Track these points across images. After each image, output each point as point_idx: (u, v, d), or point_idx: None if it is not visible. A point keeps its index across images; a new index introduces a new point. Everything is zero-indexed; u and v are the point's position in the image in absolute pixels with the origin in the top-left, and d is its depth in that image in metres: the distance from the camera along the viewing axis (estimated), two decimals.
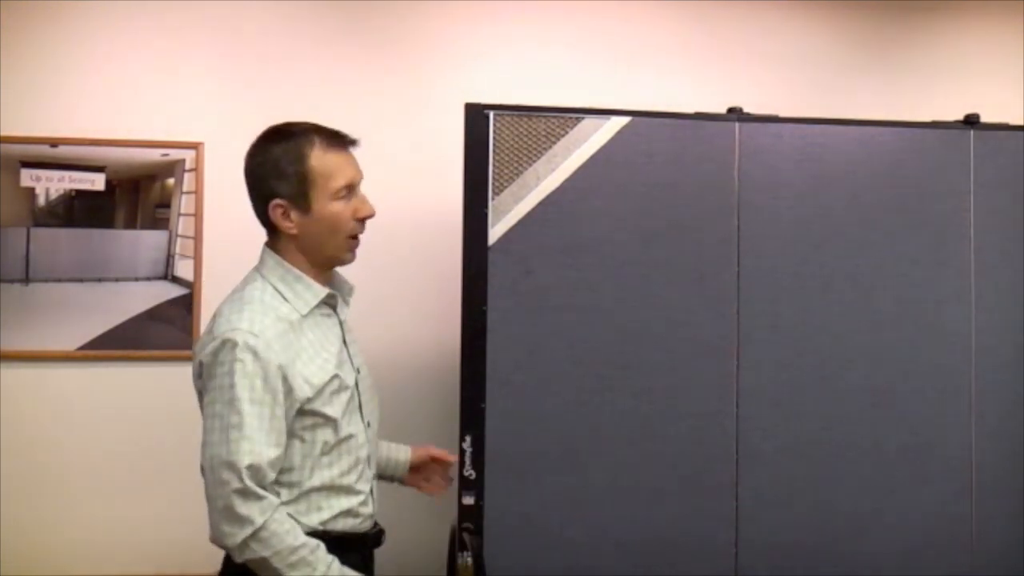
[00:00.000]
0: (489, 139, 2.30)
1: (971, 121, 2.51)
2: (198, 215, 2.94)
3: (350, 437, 1.84)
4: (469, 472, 2.26)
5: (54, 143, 2.88)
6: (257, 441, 1.68)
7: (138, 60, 2.94)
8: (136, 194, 2.92)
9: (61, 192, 2.89)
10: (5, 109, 2.86)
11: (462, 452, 2.26)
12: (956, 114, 2.55)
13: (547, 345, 2.31)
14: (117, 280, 2.91)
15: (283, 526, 1.71)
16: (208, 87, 2.97)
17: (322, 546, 1.75)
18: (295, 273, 1.84)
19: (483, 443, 2.27)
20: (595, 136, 2.33)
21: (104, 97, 2.92)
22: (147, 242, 2.93)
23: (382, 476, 2.12)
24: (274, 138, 1.87)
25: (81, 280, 2.89)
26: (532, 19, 3.10)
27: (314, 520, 1.79)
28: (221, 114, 2.95)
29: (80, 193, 2.90)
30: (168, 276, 2.93)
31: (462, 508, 2.26)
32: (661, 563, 2.34)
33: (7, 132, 2.86)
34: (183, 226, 2.94)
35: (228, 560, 1.80)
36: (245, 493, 1.67)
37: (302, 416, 1.77)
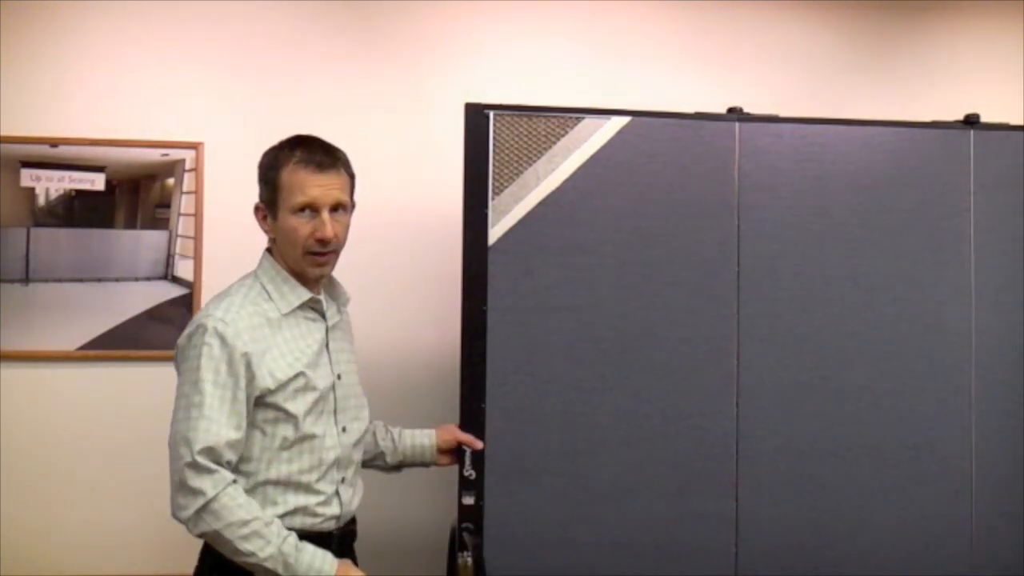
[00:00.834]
0: (489, 139, 2.25)
1: (971, 121, 2.47)
2: (198, 215, 2.89)
3: (313, 437, 1.88)
4: (469, 472, 2.21)
5: (54, 143, 2.84)
6: (215, 421, 1.76)
7: (138, 60, 2.89)
8: (136, 194, 2.88)
9: (61, 192, 2.85)
10: (5, 109, 2.82)
11: (462, 452, 2.21)
12: (956, 114, 2.51)
13: (547, 345, 2.27)
14: (117, 280, 2.87)
15: (235, 500, 1.76)
16: (208, 87, 2.92)
17: (277, 522, 1.81)
18: (284, 276, 1.94)
19: (483, 444, 2.22)
20: (595, 136, 2.29)
21: (104, 97, 2.88)
22: (147, 242, 2.88)
23: (412, 464, 2.21)
24: (274, 145, 1.96)
25: (81, 280, 2.85)
26: (532, 18, 3.06)
27: (268, 513, 1.83)
28: (221, 114, 2.92)
29: (80, 193, 2.85)
30: (168, 276, 2.89)
31: (462, 508, 2.22)
32: (661, 563, 2.29)
33: (7, 132, 2.82)
34: (183, 226, 2.90)
35: (203, 554, 1.89)
36: (197, 467, 1.73)
37: (264, 408, 1.84)
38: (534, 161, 2.26)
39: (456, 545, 2.19)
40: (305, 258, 1.92)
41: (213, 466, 1.75)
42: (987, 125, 2.46)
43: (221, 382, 1.78)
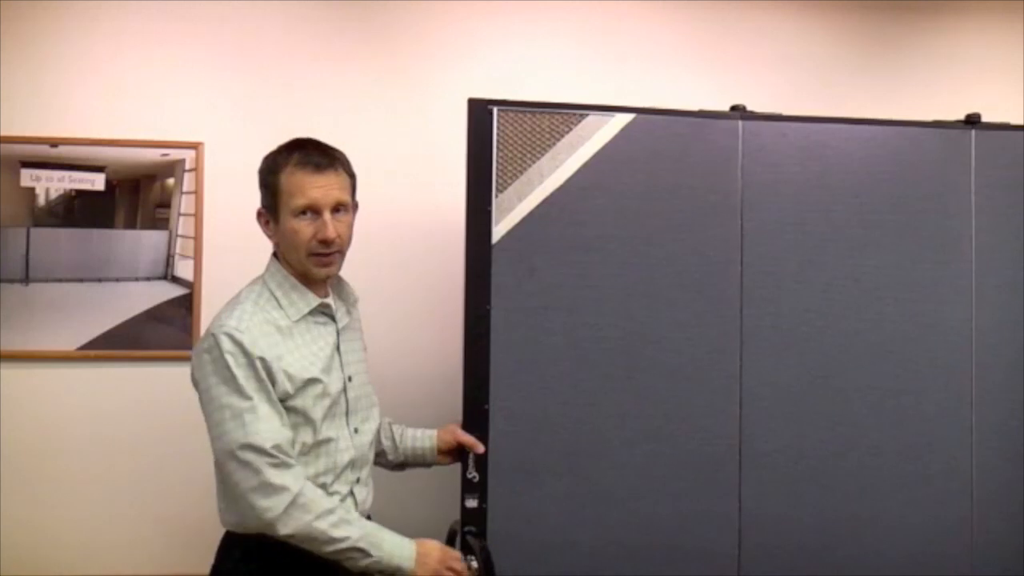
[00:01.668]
0: (493, 135, 2.19)
1: (972, 121, 2.42)
2: (198, 215, 2.82)
3: (328, 441, 1.86)
4: (472, 474, 2.15)
5: (54, 143, 2.77)
6: (271, 421, 1.75)
7: (138, 60, 2.82)
8: (136, 194, 2.81)
9: (61, 192, 2.78)
10: (5, 109, 2.75)
11: (464, 454, 2.15)
12: (957, 114, 2.46)
13: (551, 345, 2.20)
14: (117, 280, 2.80)
15: (316, 491, 1.78)
16: (208, 87, 2.86)
17: (349, 506, 1.85)
18: (292, 281, 1.90)
19: (486, 445, 2.16)
20: (599, 133, 2.23)
21: (104, 97, 2.81)
22: (147, 242, 2.82)
23: (414, 464, 2.18)
24: (272, 151, 1.93)
25: (81, 280, 2.78)
26: (535, 15, 3.00)
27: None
28: (221, 114, 2.85)
29: (80, 193, 2.78)
30: (168, 276, 2.82)
31: (465, 511, 2.15)
32: (665, 565, 2.23)
33: (7, 132, 2.75)
34: (183, 226, 2.83)
35: (220, 553, 1.87)
36: (276, 464, 1.73)
37: (288, 412, 1.81)
38: (538, 158, 2.20)
39: (457, 547, 2.12)
40: (309, 259, 1.87)
41: (287, 459, 1.75)
42: (988, 125, 2.42)
43: (257, 386, 1.76)
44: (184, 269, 2.82)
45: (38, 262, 2.76)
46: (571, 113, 2.22)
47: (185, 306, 2.81)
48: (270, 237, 1.93)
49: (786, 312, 2.30)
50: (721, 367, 2.27)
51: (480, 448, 2.13)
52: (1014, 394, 2.38)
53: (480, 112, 2.19)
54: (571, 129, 2.21)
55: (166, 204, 2.82)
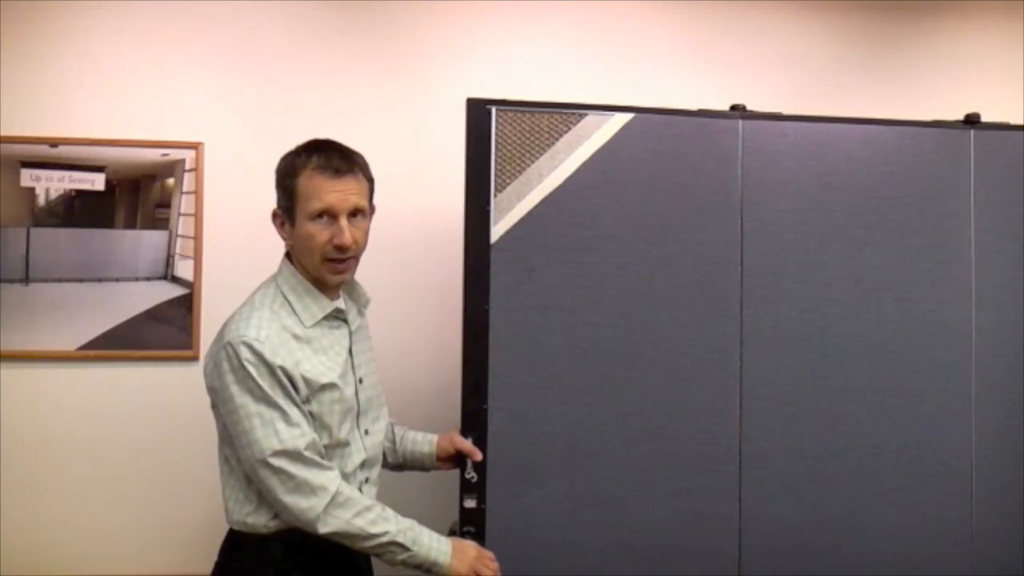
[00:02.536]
0: (491, 135, 2.15)
1: (971, 120, 2.38)
2: (198, 215, 2.78)
3: (341, 444, 1.84)
4: (471, 475, 2.11)
5: (54, 143, 2.72)
6: (300, 425, 1.74)
7: (138, 60, 2.78)
8: (136, 194, 2.77)
9: (61, 192, 2.73)
10: (5, 109, 2.71)
11: (463, 460, 2.11)
12: (957, 113, 2.42)
13: (550, 345, 2.16)
14: (117, 280, 2.75)
15: (352, 489, 1.77)
16: (208, 87, 2.82)
17: (384, 504, 1.82)
18: (306, 285, 1.86)
19: (485, 445, 2.12)
20: (598, 133, 2.18)
21: (104, 97, 2.77)
22: (147, 242, 2.77)
23: (412, 468, 2.15)
24: (290, 151, 1.87)
25: (81, 280, 2.74)
26: (535, 15, 2.96)
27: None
28: (221, 114, 2.81)
29: (80, 193, 2.74)
30: (168, 276, 2.78)
31: (464, 511, 2.11)
32: (665, 566, 2.19)
33: (7, 132, 2.71)
34: (183, 226, 2.78)
35: (224, 551, 1.85)
36: (312, 465, 1.72)
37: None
38: (537, 158, 2.16)
39: None
40: (324, 265, 1.83)
41: (322, 460, 1.75)
42: (987, 125, 2.37)
43: (283, 392, 1.73)
44: (184, 269, 2.78)
45: (38, 262, 2.71)
46: (570, 113, 2.18)
47: (185, 306, 2.77)
48: (285, 239, 1.88)
49: (786, 312, 2.25)
50: (721, 367, 2.22)
51: (478, 456, 2.09)
52: (1014, 394, 2.34)
53: (479, 112, 2.14)
54: (570, 129, 2.17)
55: (166, 204, 2.78)
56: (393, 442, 2.12)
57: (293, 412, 1.73)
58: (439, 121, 2.81)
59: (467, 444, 2.09)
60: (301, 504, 1.71)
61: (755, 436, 2.23)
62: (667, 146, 2.21)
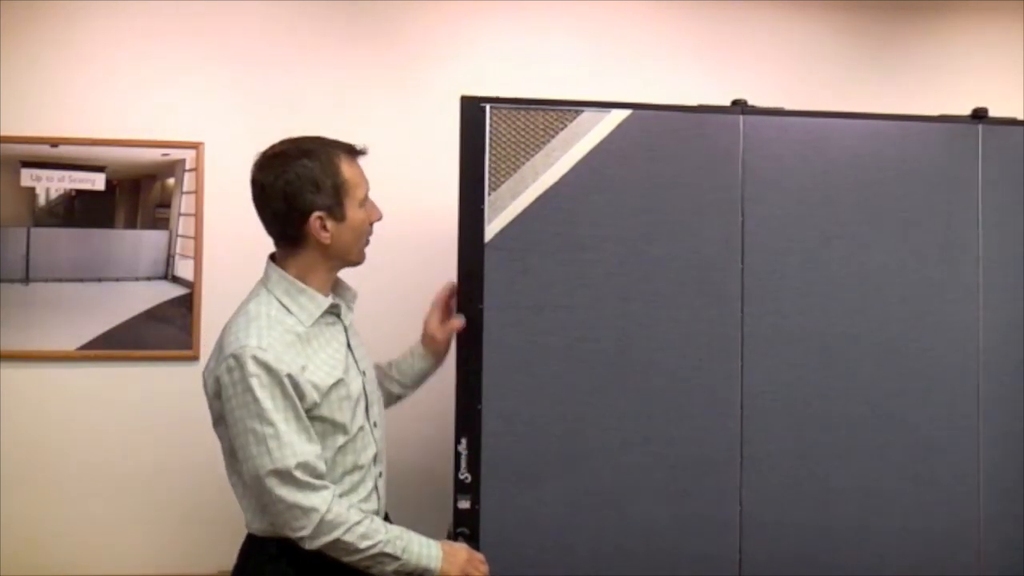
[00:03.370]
0: (485, 133, 2.11)
1: (979, 115, 2.32)
2: (198, 215, 2.77)
3: (355, 439, 1.83)
4: (465, 475, 2.08)
5: (54, 143, 2.71)
6: (294, 444, 1.70)
7: (138, 60, 2.77)
8: (136, 194, 2.75)
9: (61, 192, 2.72)
10: (5, 109, 2.71)
11: (457, 455, 2.08)
12: (964, 108, 2.36)
13: (545, 345, 2.12)
14: (117, 280, 2.74)
15: (343, 506, 1.74)
16: (208, 87, 2.80)
17: (374, 516, 1.81)
18: (299, 286, 1.82)
19: (479, 446, 2.09)
20: (595, 130, 2.14)
21: (104, 97, 2.76)
22: (147, 242, 2.76)
23: (413, 381, 2.17)
24: (299, 155, 1.79)
25: (81, 280, 2.73)
26: (531, 11, 2.93)
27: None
28: (221, 114, 2.80)
29: (80, 193, 2.73)
30: (168, 276, 2.76)
31: (458, 512, 2.08)
32: (663, 569, 2.15)
33: (7, 132, 2.70)
34: (183, 226, 2.77)
35: (243, 554, 1.84)
36: (302, 487, 1.70)
37: (314, 421, 1.76)
38: (532, 155, 2.12)
39: None
40: (364, 246, 1.91)
41: (315, 481, 1.72)
42: (995, 119, 2.31)
43: (282, 406, 1.69)
44: (184, 269, 2.76)
45: (38, 262, 2.70)
46: (566, 110, 2.14)
47: (185, 306, 2.75)
48: (326, 240, 1.80)
49: (788, 311, 2.20)
50: (721, 367, 2.18)
51: (460, 322, 2.11)
52: (1021, 394, 2.28)
53: (472, 110, 2.11)
54: (565, 126, 2.13)
55: (166, 204, 2.77)
56: (391, 377, 2.15)
57: (286, 429, 1.69)
58: (433, 119, 2.77)
59: (448, 325, 2.12)
60: (292, 524, 1.70)
61: (756, 438, 2.18)
62: (665, 143, 2.17)
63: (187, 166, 2.76)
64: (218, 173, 2.76)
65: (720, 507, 2.17)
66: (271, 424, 1.68)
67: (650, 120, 2.17)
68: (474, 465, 2.08)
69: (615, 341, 2.14)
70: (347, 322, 1.92)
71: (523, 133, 2.11)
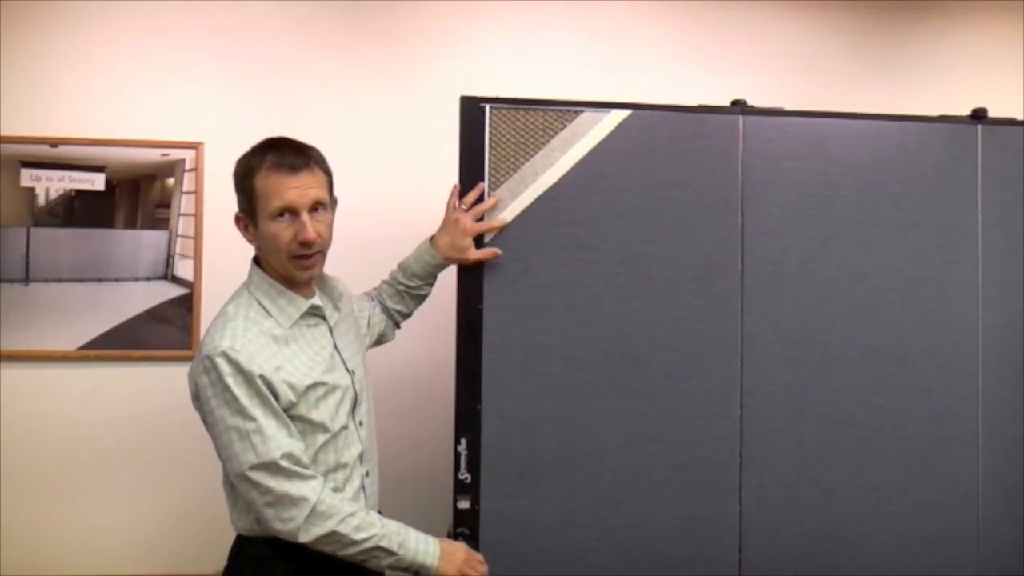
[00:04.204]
0: (485, 133, 2.10)
1: (978, 116, 2.31)
2: (198, 215, 2.76)
3: (338, 438, 1.82)
4: (464, 476, 2.07)
5: (54, 143, 2.71)
6: (279, 437, 1.70)
7: (139, 60, 2.77)
8: (136, 194, 2.75)
9: (61, 192, 2.72)
10: (5, 109, 2.71)
11: (457, 455, 2.06)
12: (963, 108, 2.35)
13: (545, 345, 2.11)
14: (117, 280, 2.74)
15: (335, 497, 1.74)
16: (208, 87, 2.80)
17: (368, 509, 1.80)
18: (279, 288, 1.83)
19: (479, 446, 2.08)
20: (595, 130, 2.13)
21: (104, 97, 2.76)
22: (147, 242, 2.76)
23: (430, 278, 2.17)
24: (244, 153, 1.85)
25: (81, 280, 2.73)
26: (530, 11, 2.93)
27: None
28: (221, 114, 2.79)
29: (80, 193, 2.73)
30: (168, 276, 2.76)
31: (457, 512, 2.07)
32: (662, 569, 2.14)
33: (7, 132, 2.70)
34: (183, 226, 2.77)
35: (233, 556, 1.83)
36: (291, 476, 1.69)
37: (292, 421, 1.76)
38: (531, 156, 2.11)
39: None
40: (291, 262, 1.80)
41: (303, 470, 1.71)
42: (995, 120, 2.30)
43: (260, 403, 1.70)
44: (184, 269, 2.76)
45: (38, 262, 2.70)
46: (565, 110, 2.13)
47: (185, 306, 2.75)
48: (250, 241, 1.85)
49: (787, 311, 2.20)
50: (721, 368, 2.17)
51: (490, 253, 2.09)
52: (1020, 394, 2.27)
53: (472, 110, 2.10)
54: (565, 126, 2.12)
55: (166, 204, 2.76)
56: (397, 286, 2.17)
57: (268, 424, 1.69)
58: (433, 119, 2.77)
59: (478, 254, 2.08)
60: (282, 515, 1.69)
61: (755, 438, 2.17)
62: (665, 143, 2.16)
63: (187, 166, 2.76)
64: (218, 173, 2.73)
65: (720, 507, 2.16)
66: (253, 419, 1.68)
67: (650, 120, 2.16)
68: (474, 465, 2.07)
69: (614, 341, 2.13)
70: (332, 322, 1.91)
71: (523, 133, 2.10)
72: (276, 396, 1.72)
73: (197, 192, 2.75)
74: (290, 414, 1.74)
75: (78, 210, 2.72)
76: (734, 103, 2.24)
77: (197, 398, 1.76)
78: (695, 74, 2.96)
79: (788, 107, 2.27)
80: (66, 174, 2.71)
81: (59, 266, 2.71)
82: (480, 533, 2.06)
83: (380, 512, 1.94)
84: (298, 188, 1.76)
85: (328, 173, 1.86)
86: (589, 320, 2.12)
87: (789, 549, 2.18)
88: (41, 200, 2.71)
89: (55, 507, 2.70)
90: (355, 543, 1.72)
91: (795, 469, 2.19)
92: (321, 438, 1.78)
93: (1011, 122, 2.31)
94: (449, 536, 2.07)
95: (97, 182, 2.72)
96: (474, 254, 2.07)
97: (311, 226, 1.76)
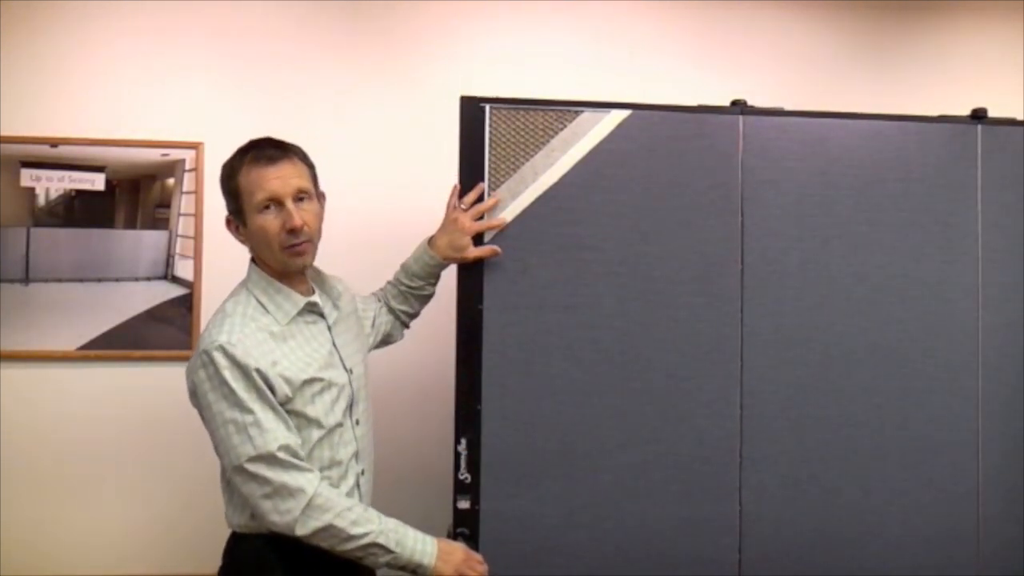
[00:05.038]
0: (485, 133, 2.10)
1: (978, 116, 2.31)
2: (198, 215, 2.76)
3: (334, 435, 1.83)
4: (464, 476, 2.06)
5: (54, 143, 2.71)
6: (277, 430, 1.71)
7: (139, 60, 2.77)
8: (136, 194, 2.75)
9: (61, 192, 2.72)
10: (5, 109, 2.70)
11: (457, 455, 2.06)
12: (963, 108, 2.35)
13: (545, 345, 2.11)
14: (117, 280, 2.74)
15: (332, 491, 1.74)
16: (208, 87, 2.80)
17: (366, 505, 1.82)
18: (276, 285, 1.85)
19: (479, 446, 2.08)
20: (595, 130, 2.13)
21: (104, 97, 2.75)
22: (147, 242, 2.76)
23: (431, 278, 2.18)
24: (229, 157, 1.89)
25: (81, 280, 2.73)
26: (530, 10, 2.93)
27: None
28: (221, 114, 2.79)
29: (80, 193, 2.73)
30: (168, 276, 2.76)
31: (457, 512, 2.07)
32: (662, 569, 2.14)
33: (7, 132, 2.70)
34: (183, 226, 2.77)
35: (228, 553, 1.83)
36: (288, 468, 1.70)
37: (288, 415, 1.77)
38: (531, 156, 2.11)
39: None
40: (283, 253, 1.82)
41: (300, 462, 1.72)
42: (994, 120, 2.30)
43: (258, 396, 1.71)
44: (184, 269, 2.76)
45: (38, 262, 2.70)
46: (565, 110, 2.13)
47: (185, 306, 2.75)
48: (242, 242, 1.88)
49: (787, 311, 2.19)
50: (721, 367, 2.17)
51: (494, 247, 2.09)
52: (1020, 393, 2.27)
53: (472, 110, 2.10)
54: (565, 126, 2.12)
55: (166, 204, 2.76)
56: (399, 286, 2.18)
57: (266, 417, 1.71)
58: (433, 119, 2.77)
59: (477, 252, 2.07)
60: (280, 507, 1.69)
61: (755, 438, 2.17)
62: (665, 143, 2.16)
63: (187, 166, 2.76)
64: (218, 173, 2.69)
65: (720, 507, 2.16)
66: (250, 412, 1.69)
67: (650, 120, 2.16)
68: (474, 465, 2.07)
69: (614, 341, 2.13)
70: (331, 320, 1.92)
71: (523, 133, 2.10)
72: (272, 390, 1.73)
73: (197, 192, 2.75)
74: (286, 409, 1.75)
75: (78, 210, 2.72)
76: (734, 103, 2.24)
77: (195, 394, 1.77)
78: (695, 74, 2.96)
79: (788, 107, 2.27)
80: (66, 174, 2.71)
81: (59, 266, 2.70)
82: (480, 533, 2.06)
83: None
84: (279, 178, 1.79)
85: (311, 166, 1.88)
86: (589, 320, 2.12)
87: (789, 549, 2.18)
88: (41, 200, 2.71)
89: (55, 507, 2.70)
90: (352, 538, 1.72)
91: (795, 469, 2.18)
92: (316, 434, 1.79)
93: (1011, 122, 2.31)
94: (449, 536, 2.07)
95: (97, 182, 2.72)
96: (473, 252, 2.07)
97: (297, 214, 1.79)
